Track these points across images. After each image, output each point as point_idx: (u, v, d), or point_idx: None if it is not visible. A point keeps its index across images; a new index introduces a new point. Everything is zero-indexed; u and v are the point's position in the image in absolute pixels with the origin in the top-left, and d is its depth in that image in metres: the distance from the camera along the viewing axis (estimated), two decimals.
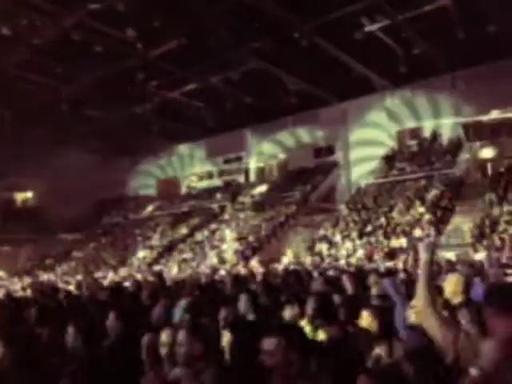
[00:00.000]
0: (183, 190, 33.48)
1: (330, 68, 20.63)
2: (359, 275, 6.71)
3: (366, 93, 23.99)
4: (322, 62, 19.97)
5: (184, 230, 26.24)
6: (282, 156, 29.72)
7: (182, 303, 4.77)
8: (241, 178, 31.00)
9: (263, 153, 30.26)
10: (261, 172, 30.87)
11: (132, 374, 3.10)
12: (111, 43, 18.06)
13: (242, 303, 4.56)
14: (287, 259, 18.15)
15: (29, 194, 34.83)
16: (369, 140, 25.53)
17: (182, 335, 3.08)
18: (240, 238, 22.03)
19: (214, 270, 13.50)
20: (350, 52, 19.68)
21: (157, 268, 19.76)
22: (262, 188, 28.22)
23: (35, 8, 15.89)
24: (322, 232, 20.29)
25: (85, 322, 3.97)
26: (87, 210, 33.54)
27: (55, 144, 28.67)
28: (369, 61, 20.63)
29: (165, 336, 3.15)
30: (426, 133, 24.59)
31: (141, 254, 24.29)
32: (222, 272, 10.81)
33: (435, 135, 23.99)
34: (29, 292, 8.55)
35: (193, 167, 33.39)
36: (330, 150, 27.24)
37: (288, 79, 21.96)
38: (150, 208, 32.11)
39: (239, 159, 31.16)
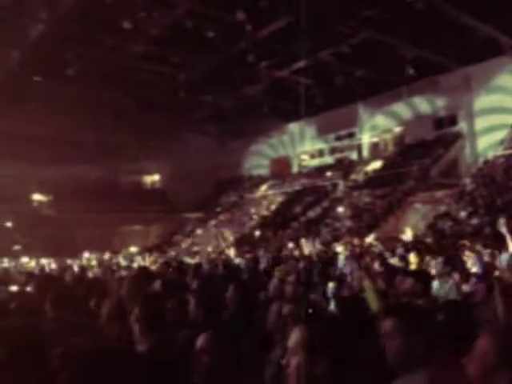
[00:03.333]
0: (295, 169, 33.67)
1: (449, 31, 18.91)
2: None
3: (492, 55, 21.59)
4: (441, 25, 18.35)
5: (297, 208, 26.49)
6: (397, 129, 28.25)
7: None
8: (353, 155, 30.22)
9: (377, 127, 29.04)
10: (375, 147, 29.71)
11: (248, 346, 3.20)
12: (222, 28, 18.58)
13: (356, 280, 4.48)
14: (406, 237, 17.37)
15: (156, 177, 37.79)
16: (497, 107, 23.04)
17: (287, 307, 3.18)
18: (354, 216, 21.60)
19: (328, 247, 13.45)
20: (472, 12, 17.80)
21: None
22: (377, 164, 27.20)
23: (152, 0, 16.91)
24: (444, 208, 19.04)
25: (205, 294, 4.20)
26: (207, 191, 35.48)
27: (176, 129, 30.65)
28: (495, 20, 18.47)
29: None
30: None
31: (257, 232, 25.10)
32: (339, 248, 10.66)
33: None
34: (157, 266, 9.38)
35: (304, 145, 33.33)
36: (452, 120, 25.17)
37: (403, 47, 20.65)
38: (263, 187, 32.93)
39: (351, 135, 30.33)
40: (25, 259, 16.82)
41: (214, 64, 21.85)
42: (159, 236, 31.38)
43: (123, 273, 7.78)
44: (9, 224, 24.95)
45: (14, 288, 6.06)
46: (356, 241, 18.14)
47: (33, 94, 22.82)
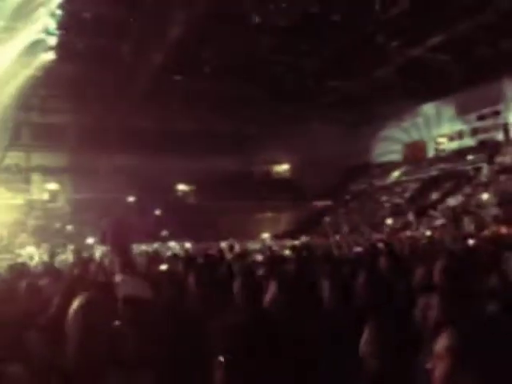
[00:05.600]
0: (431, 153, 31.60)
1: None
2: None
3: None
4: None
5: (434, 196, 24.93)
6: None
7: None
8: (499, 136, 27.30)
9: None
10: None
11: None
12: (349, 10, 18.16)
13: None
14: None
15: (284, 166, 38.59)
16: None
17: (435, 299, 3.00)
18: (501, 203, 19.62)
19: (465, 237, 12.44)
20: None
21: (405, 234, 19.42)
22: None
23: None
24: None
25: (336, 279, 4.21)
26: (335, 178, 35.16)
27: (304, 118, 30.87)
28: None
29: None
30: None
31: (389, 220, 24.26)
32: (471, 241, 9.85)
33: None
34: (288, 251, 9.67)
35: (440, 127, 31.04)
36: None
37: None
38: (395, 173, 31.56)
39: (496, 114, 27.39)
40: (172, 243, 18.66)
41: (342, 48, 21.47)
42: (290, 223, 32.06)
43: (258, 257, 8.18)
44: (158, 212, 27.74)
45: (163, 267, 6.79)
46: (504, 230, 16.48)
47: (174, 93, 24.93)
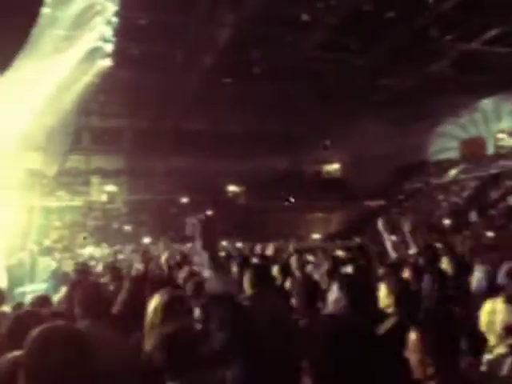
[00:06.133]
0: (490, 150, 30.16)
1: None
2: None
3: None
4: None
5: (494, 194, 23.81)
6: None
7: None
8: None
9: None
10: None
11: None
12: (402, 5, 17.67)
13: None
14: None
15: (335, 166, 38.10)
16: None
17: (500, 302, 2.89)
18: None
19: None
20: None
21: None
22: None
23: None
24: None
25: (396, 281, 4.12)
26: (388, 177, 34.29)
27: (355, 117, 30.36)
28: None
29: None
30: None
31: (446, 220, 23.43)
32: None
33: None
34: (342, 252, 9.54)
35: (500, 123, 29.56)
36: None
37: None
38: (453, 172, 30.39)
39: None
40: (223, 243, 18.90)
41: (395, 44, 20.93)
42: (340, 223, 31.62)
43: (310, 257, 8.15)
44: (209, 212, 28.23)
45: None
46: None
47: (224, 95, 25.26)
